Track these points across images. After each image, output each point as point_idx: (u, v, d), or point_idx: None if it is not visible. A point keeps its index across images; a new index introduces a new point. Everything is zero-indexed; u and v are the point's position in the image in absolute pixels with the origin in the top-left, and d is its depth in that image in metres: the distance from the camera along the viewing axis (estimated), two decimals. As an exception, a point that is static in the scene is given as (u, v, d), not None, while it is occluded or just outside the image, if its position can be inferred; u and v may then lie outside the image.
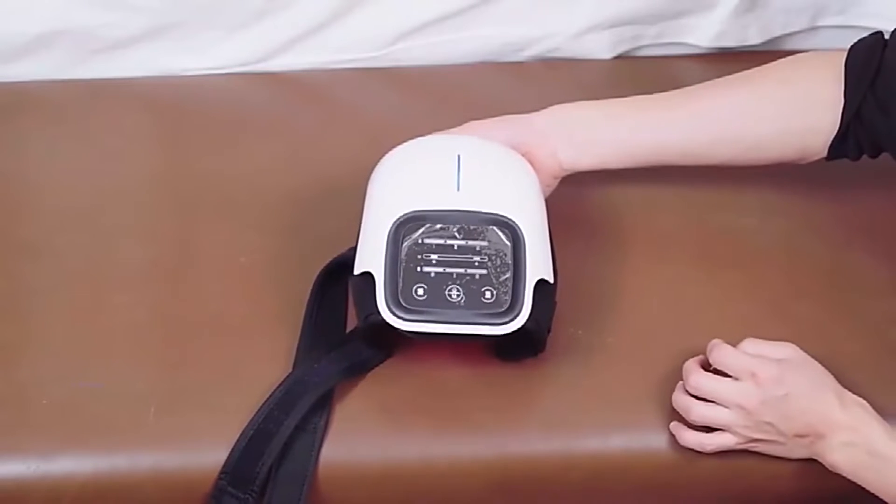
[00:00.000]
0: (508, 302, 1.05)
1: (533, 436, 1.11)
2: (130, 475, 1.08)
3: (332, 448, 1.08)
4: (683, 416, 1.08)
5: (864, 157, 1.20)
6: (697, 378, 1.07)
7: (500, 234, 1.07)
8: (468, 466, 1.10)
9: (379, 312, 1.05)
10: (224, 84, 1.48)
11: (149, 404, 1.09)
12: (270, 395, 1.08)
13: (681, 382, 1.09)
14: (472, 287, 1.05)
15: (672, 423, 1.09)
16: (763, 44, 1.54)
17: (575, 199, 1.24)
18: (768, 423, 1.05)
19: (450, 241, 1.07)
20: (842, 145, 1.18)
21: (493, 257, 1.07)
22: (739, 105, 1.20)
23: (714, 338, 1.10)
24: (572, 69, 1.50)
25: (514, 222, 1.08)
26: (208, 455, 1.08)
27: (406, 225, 1.07)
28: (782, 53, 1.49)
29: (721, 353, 1.07)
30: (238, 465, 1.06)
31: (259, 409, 1.07)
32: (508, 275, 1.06)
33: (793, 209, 1.29)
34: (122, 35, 1.46)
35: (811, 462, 1.07)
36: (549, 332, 1.10)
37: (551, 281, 1.09)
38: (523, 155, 1.17)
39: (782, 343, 1.08)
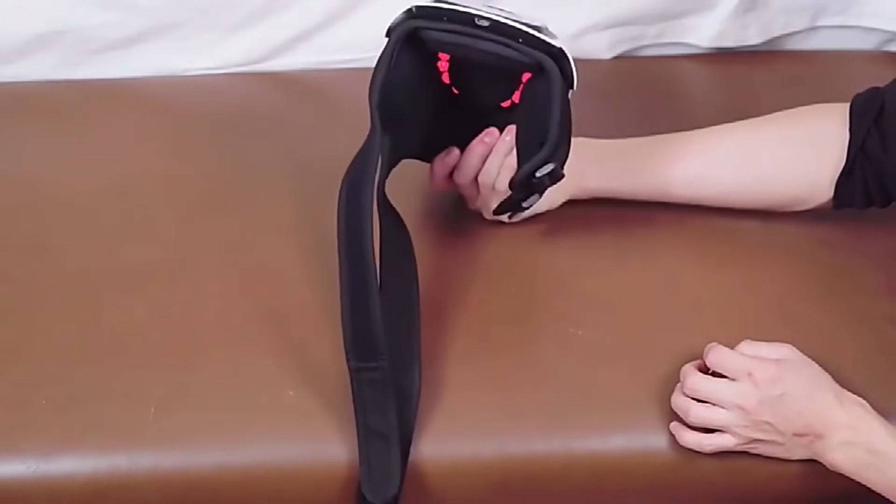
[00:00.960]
0: (540, 28, 1.09)
1: (533, 436, 1.11)
2: (130, 475, 1.08)
3: (331, 448, 1.08)
4: (682, 417, 1.08)
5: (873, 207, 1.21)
6: (695, 380, 1.07)
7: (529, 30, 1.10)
8: (468, 466, 1.10)
9: (410, 11, 1.09)
10: (224, 84, 1.48)
11: (149, 404, 1.09)
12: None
13: (679, 384, 1.09)
14: (499, 18, 1.07)
15: (672, 424, 1.09)
16: (763, 44, 1.54)
17: (574, 199, 1.24)
18: (767, 423, 1.05)
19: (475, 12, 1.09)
20: (848, 182, 1.19)
21: (520, 18, 1.09)
22: (750, 143, 1.22)
23: (714, 338, 1.10)
24: (572, 69, 1.50)
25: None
26: (208, 455, 1.08)
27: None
28: (782, 53, 1.51)
29: (718, 355, 1.08)
30: (356, 339, 1.06)
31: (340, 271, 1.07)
32: (542, 28, 1.09)
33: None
34: (122, 35, 1.46)
35: (811, 462, 1.07)
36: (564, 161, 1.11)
37: (575, 78, 1.11)
38: None
39: (779, 344, 1.08)
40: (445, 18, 1.08)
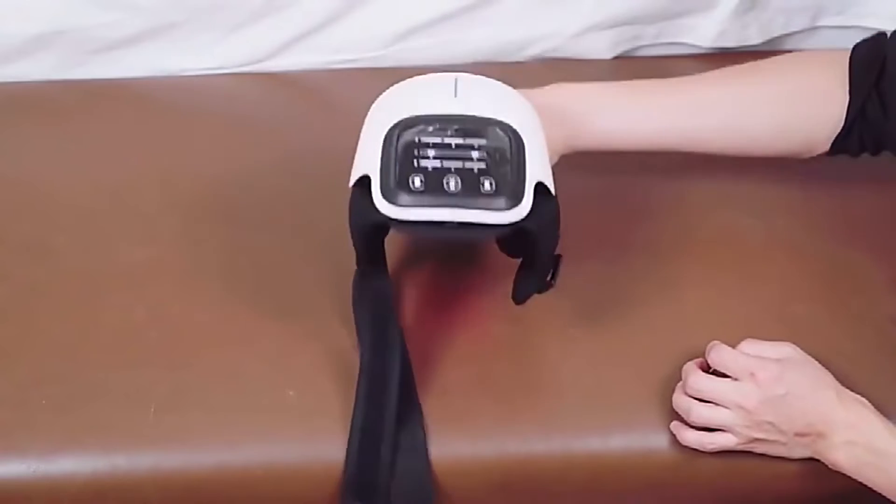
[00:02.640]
0: (509, 193, 1.01)
1: (533, 436, 1.11)
2: (130, 475, 1.08)
3: (331, 448, 1.08)
4: (684, 417, 1.08)
5: (865, 154, 1.20)
6: (696, 379, 1.07)
7: (499, 132, 1.03)
8: (468, 466, 1.10)
9: (375, 208, 1.01)
10: (224, 84, 1.48)
11: (149, 404, 1.09)
12: (357, 397, 1.07)
13: (680, 383, 1.09)
14: (470, 178, 1.00)
15: (672, 423, 1.09)
16: (763, 44, 1.54)
17: (574, 199, 1.24)
18: (769, 423, 1.05)
19: (448, 140, 1.02)
20: (845, 142, 1.18)
21: (493, 153, 1.02)
22: (744, 97, 1.19)
23: (714, 338, 1.10)
24: (572, 69, 1.50)
25: (512, 126, 1.03)
26: (208, 455, 1.08)
27: (402, 127, 1.02)
28: (782, 53, 1.50)
29: (720, 354, 1.07)
30: (359, 476, 1.05)
31: (353, 414, 1.06)
32: (508, 168, 1.01)
33: (793, 209, 1.29)
34: (122, 35, 1.46)
35: (811, 462, 1.07)
36: (556, 273, 1.07)
37: (552, 190, 1.05)
38: None
39: (781, 343, 1.08)
40: (413, 226, 1.03)
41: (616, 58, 1.54)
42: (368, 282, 1.14)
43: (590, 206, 1.26)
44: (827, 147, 1.19)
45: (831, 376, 1.07)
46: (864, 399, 1.05)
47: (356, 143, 1.13)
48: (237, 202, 1.29)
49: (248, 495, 1.10)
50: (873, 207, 1.28)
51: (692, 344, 1.12)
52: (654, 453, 1.11)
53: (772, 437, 1.06)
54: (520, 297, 1.13)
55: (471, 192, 1.00)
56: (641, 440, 1.11)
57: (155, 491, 1.08)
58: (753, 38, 1.53)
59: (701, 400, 1.07)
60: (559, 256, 1.08)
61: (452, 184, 1.00)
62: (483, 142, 1.02)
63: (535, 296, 1.13)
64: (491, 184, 1.00)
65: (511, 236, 1.07)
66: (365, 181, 1.03)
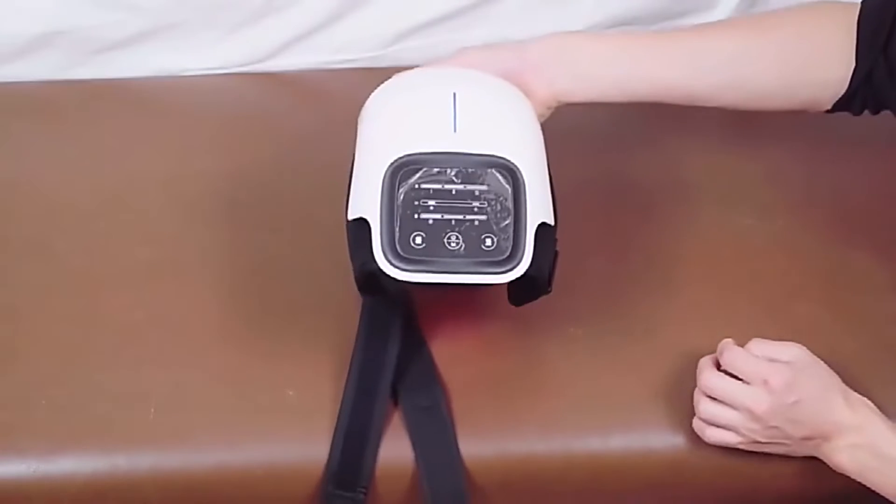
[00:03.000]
0: (510, 249, 1.01)
1: (533, 436, 1.11)
2: (130, 475, 1.08)
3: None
4: (694, 409, 1.08)
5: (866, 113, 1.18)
6: (709, 377, 1.06)
7: (499, 177, 1.03)
8: (468, 466, 1.10)
9: (375, 261, 1.01)
10: (224, 84, 1.48)
11: (149, 404, 1.09)
12: (346, 388, 1.08)
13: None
14: (471, 234, 1.01)
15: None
16: (763, 44, 1.54)
17: (575, 199, 1.24)
18: (775, 428, 1.04)
19: (448, 186, 1.02)
20: (847, 103, 1.16)
21: (493, 202, 1.02)
22: (748, 50, 1.16)
23: (715, 338, 1.09)
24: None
25: (513, 164, 1.03)
26: (208, 455, 1.08)
27: (402, 169, 1.02)
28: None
29: (732, 356, 1.06)
30: (342, 466, 1.06)
31: (342, 405, 1.07)
32: (509, 220, 1.02)
33: (793, 209, 1.29)
34: (122, 35, 1.46)
35: (812, 462, 1.07)
36: (552, 275, 1.06)
37: (552, 223, 1.05)
38: (517, 84, 1.13)
39: (789, 344, 1.07)
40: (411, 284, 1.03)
41: (616, 58, 1.54)
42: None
43: (590, 207, 1.26)
44: (829, 105, 1.17)
45: (837, 377, 1.06)
46: (868, 401, 1.05)
47: (355, 144, 1.13)
48: (237, 202, 1.29)
49: (248, 495, 1.09)
50: (873, 207, 1.28)
51: (692, 344, 1.12)
52: (654, 453, 1.11)
53: (776, 440, 1.05)
54: (517, 302, 1.12)
55: (472, 250, 1.01)
56: (641, 440, 1.11)
57: (155, 491, 1.08)
58: (753, 37, 1.53)
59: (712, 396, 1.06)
60: (555, 257, 1.08)
61: (454, 242, 1.01)
62: (483, 188, 1.03)
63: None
64: (492, 241, 1.01)
65: None
66: (363, 224, 1.03)
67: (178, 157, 1.36)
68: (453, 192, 1.03)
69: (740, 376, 1.06)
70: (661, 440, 1.10)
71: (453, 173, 1.03)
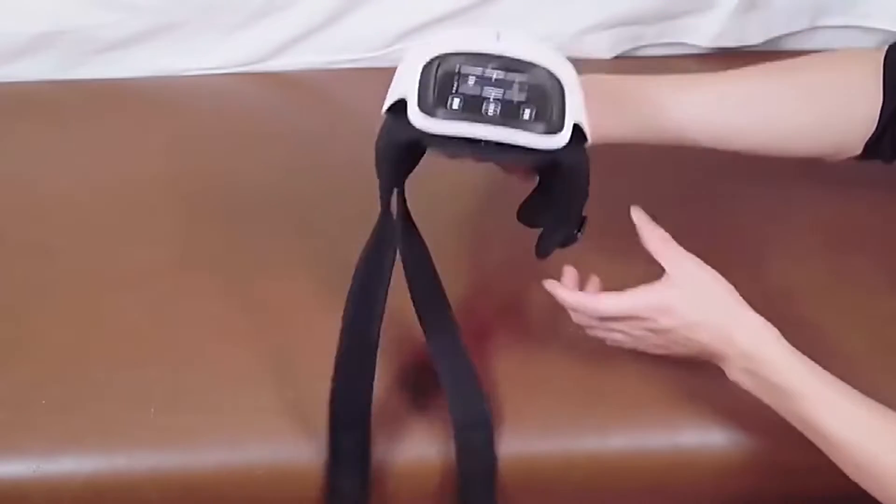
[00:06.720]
0: (548, 122, 0.99)
1: (533, 436, 1.11)
2: (130, 475, 1.08)
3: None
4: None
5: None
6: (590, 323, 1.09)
7: (540, 73, 1.00)
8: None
9: (410, 125, 0.98)
10: (224, 84, 1.48)
11: (149, 404, 1.09)
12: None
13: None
14: (510, 106, 0.99)
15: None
16: (763, 44, 1.54)
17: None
18: (665, 349, 1.06)
19: (488, 73, 1.00)
20: (877, 145, 1.14)
21: (533, 88, 1.00)
22: (775, 92, 1.16)
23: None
24: (572, 69, 1.50)
25: (553, 70, 1.01)
26: (208, 455, 1.08)
27: (443, 58, 1.00)
28: (782, 53, 1.49)
29: (602, 307, 1.07)
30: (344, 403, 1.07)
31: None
32: (548, 103, 1.00)
33: (793, 209, 1.29)
34: (122, 35, 1.46)
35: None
36: (584, 219, 1.06)
37: (588, 135, 1.03)
38: None
39: (657, 286, 1.07)
40: (447, 144, 1.00)
41: (616, 58, 1.54)
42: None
43: (590, 207, 1.26)
44: (859, 149, 1.15)
45: (728, 295, 1.05)
46: (762, 323, 1.04)
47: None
48: (237, 202, 1.29)
49: (248, 495, 1.10)
50: (874, 207, 1.28)
51: (692, 344, 1.12)
52: (654, 453, 1.11)
53: (672, 354, 1.07)
54: (544, 250, 1.10)
55: (510, 117, 0.99)
56: (641, 440, 1.11)
57: (155, 491, 1.08)
58: (753, 38, 1.53)
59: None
60: (584, 217, 1.07)
61: (491, 109, 0.99)
62: (524, 78, 1.00)
63: (535, 296, 1.13)
64: (531, 113, 0.99)
65: (541, 177, 1.06)
66: (399, 107, 1.00)
67: (178, 157, 1.36)
68: (493, 78, 1.00)
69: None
70: (661, 440, 1.10)
71: (495, 65, 1.01)
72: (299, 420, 1.10)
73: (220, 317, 1.17)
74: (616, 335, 1.09)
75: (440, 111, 0.98)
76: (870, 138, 1.14)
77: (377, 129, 1.03)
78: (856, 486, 1.04)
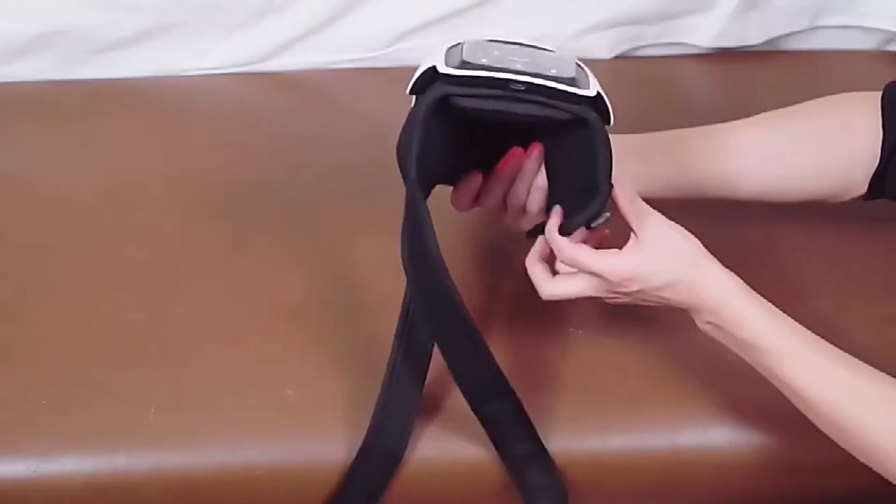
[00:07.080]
0: (575, 79, 1.01)
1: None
2: (130, 475, 1.08)
3: (331, 448, 1.08)
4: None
5: None
6: (550, 287, 1.06)
7: (565, 58, 1.04)
8: (468, 466, 1.10)
9: (438, 81, 1.00)
10: (224, 84, 1.49)
11: (149, 404, 1.09)
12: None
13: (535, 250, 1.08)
14: (538, 66, 1.01)
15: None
16: (763, 44, 1.54)
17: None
18: (631, 303, 1.06)
19: (512, 48, 1.03)
20: (881, 181, 1.15)
21: (559, 61, 1.03)
22: (777, 138, 1.18)
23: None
24: (572, 69, 1.50)
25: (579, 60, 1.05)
26: (208, 455, 1.08)
27: (464, 42, 1.03)
28: (782, 53, 1.50)
29: (566, 255, 1.05)
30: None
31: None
32: (574, 75, 1.02)
33: (793, 210, 1.29)
34: (122, 35, 1.46)
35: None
36: (610, 172, 1.04)
37: (611, 114, 1.04)
38: None
39: (633, 251, 1.04)
40: (478, 86, 1.02)
41: (616, 58, 1.54)
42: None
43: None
44: (864, 188, 1.16)
45: (695, 249, 1.05)
46: (733, 276, 1.04)
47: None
48: (237, 202, 1.29)
49: (248, 495, 1.10)
50: (874, 207, 1.28)
51: (693, 344, 1.12)
52: (654, 453, 1.11)
53: (639, 304, 1.06)
54: (570, 227, 1.07)
55: (539, 69, 1.01)
56: (641, 440, 1.11)
57: (155, 491, 1.08)
58: (753, 38, 1.53)
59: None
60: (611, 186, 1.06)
61: (520, 65, 1.01)
62: (552, 54, 1.04)
63: (535, 296, 1.13)
64: (558, 72, 1.01)
65: (555, 161, 1.07)
66: (426, 76, 1.01)
67: (178, 157, 1.36)
68: (520, 49, 1.03)
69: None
70: (661, 440, 1.10)
71: (518, 45, 1.04)
72: (299, 420, 1.10)
73: (219, 316, 1.17)
74: (578, 289, 1.06)
75: (469, 64, 1.00)
76: (874, 174, 1.15)
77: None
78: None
